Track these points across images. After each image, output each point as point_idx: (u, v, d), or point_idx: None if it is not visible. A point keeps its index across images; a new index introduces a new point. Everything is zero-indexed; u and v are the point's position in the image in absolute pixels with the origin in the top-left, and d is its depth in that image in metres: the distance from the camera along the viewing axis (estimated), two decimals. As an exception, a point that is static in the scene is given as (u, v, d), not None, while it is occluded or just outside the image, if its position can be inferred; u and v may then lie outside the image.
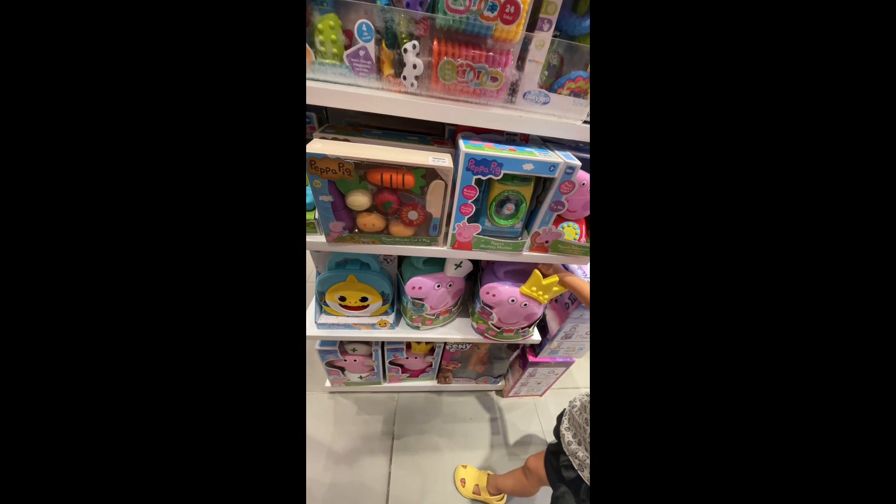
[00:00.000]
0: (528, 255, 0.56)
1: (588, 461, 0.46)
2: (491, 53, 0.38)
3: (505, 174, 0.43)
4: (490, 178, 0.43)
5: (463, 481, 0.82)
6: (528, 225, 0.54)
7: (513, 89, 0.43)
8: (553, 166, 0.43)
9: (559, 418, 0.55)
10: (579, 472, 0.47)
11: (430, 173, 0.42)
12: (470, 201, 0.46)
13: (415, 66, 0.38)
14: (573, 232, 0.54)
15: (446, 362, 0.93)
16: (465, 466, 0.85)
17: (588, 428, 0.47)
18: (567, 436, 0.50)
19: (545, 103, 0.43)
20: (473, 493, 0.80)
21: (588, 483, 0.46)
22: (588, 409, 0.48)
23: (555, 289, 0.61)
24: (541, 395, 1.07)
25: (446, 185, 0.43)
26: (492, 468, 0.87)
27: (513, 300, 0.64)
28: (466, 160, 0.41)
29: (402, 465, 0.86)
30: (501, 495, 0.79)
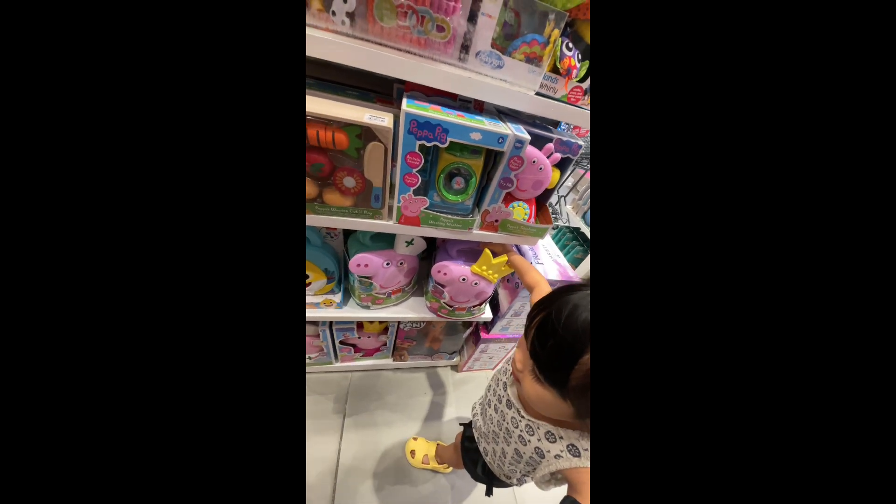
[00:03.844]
0: (478, 234, 0.55)
1: (484, 429, 0.47)
2: (437, -4, 0.33)
3: (453, 143, 0.40)
4: (436, 146, 0.40)
5: (413, 452, 0.85)
6: (478, 202, 0.52)
7: (465, 47, 0.38)
8: (502, 138, 0.40)
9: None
10: (478, 444, 0.49)
11: (366, 133, 0.37)
12: (415, 170, 0.42)
13: (345, 0, 0.32)
14: (522, 212, 0.54)
15: (401, 341, 0.92)
16: (415, 438, 0.87)
17: (498, 388, 0.46)
18: (476, 407, 0.52)
19: (499, 67, 0.40)
20: (422, 462, 0.83)
21: (485, 457, 0.48)
22: (502, 375, 0.47)
23: (503, 268, 0.61)
24: (493, 369, 1.13)
25: (386, 150, 0.39)
26: (441, 439, 0.90)
27: (464, 279, 0.63)
28: (408, 121, 0.37)
29: (352, 441, 0.85)
30: (447, 464, 0.83)
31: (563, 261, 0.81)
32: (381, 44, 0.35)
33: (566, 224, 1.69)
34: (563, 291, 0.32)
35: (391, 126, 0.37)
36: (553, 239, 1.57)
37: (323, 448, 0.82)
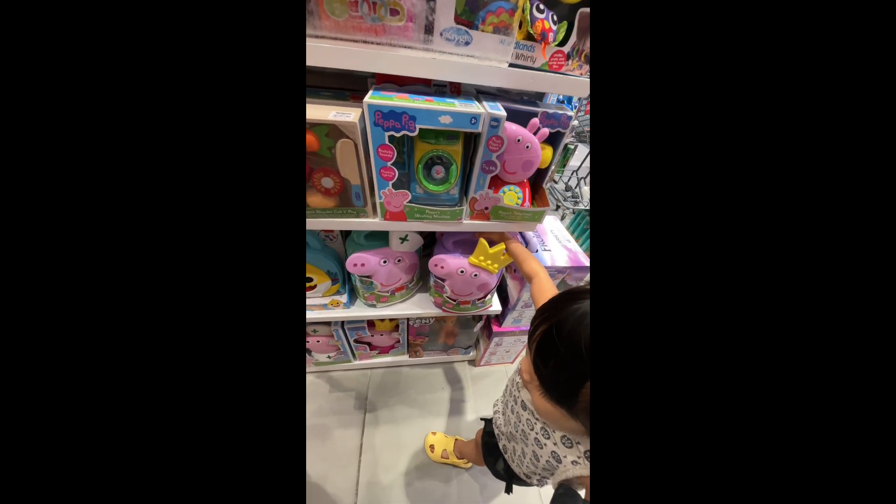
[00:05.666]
0: (469, 224, 0.52)
1: (504, 429, 0.45)
2: (386, -24, 0.32)
3: (424, 130, 0.38)
4: (406, 136, 0.38)
5: (432, 447, 0.85)
6: (465, 191, 0.50)
7: (428, 28, 0.36)
8: (475, 118, 0.38)
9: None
10: (498, 441, 0.47)
11: (333, 131, 0.37)
12: (389, 163, 0.41)
13: (295, -4, 0.32)
14: (514, 196, 0.51)
15: (413, 337, 0.93)
16: (434, 433, 0.88)
17: (513, 388, 0.45)
18: (498, 405, 0.50)
19: (466, 43, 0.37)
20: (441, 457, 0.83)
21: (504, 454, 0.46)
22: (516, 375, 0.46)
23: (503, 257, 0.58)
24: (511, 362, 1.10)
25: (357, 145, 0.39)
26: (461, 434, 0.90)
27: (462, 271, 0.61)
28: (372, 112, 0.36)
29: (374, 435, 0.88)
30: (467, 459, 0.82)
31: (575, 245, 0.76)
32: (337, 38, 0.34)
33: (587, 208, 1.58)
34: (567, 299, 0.27)
35: (356, 121, 0.37)
36: (571, 224, 1.48)
37: (346, 443, 0.86)
